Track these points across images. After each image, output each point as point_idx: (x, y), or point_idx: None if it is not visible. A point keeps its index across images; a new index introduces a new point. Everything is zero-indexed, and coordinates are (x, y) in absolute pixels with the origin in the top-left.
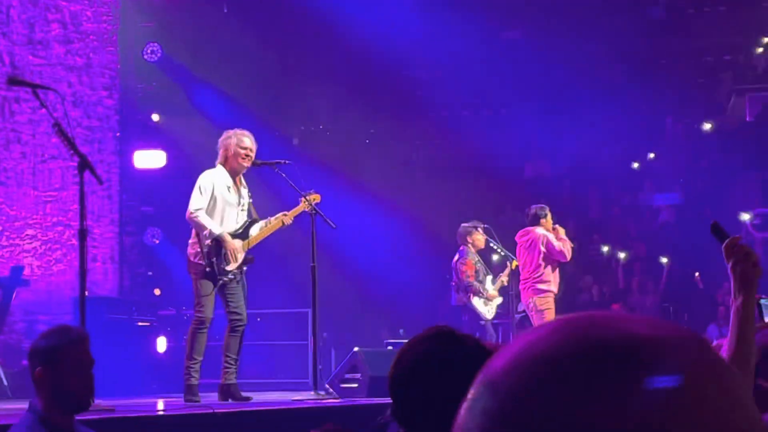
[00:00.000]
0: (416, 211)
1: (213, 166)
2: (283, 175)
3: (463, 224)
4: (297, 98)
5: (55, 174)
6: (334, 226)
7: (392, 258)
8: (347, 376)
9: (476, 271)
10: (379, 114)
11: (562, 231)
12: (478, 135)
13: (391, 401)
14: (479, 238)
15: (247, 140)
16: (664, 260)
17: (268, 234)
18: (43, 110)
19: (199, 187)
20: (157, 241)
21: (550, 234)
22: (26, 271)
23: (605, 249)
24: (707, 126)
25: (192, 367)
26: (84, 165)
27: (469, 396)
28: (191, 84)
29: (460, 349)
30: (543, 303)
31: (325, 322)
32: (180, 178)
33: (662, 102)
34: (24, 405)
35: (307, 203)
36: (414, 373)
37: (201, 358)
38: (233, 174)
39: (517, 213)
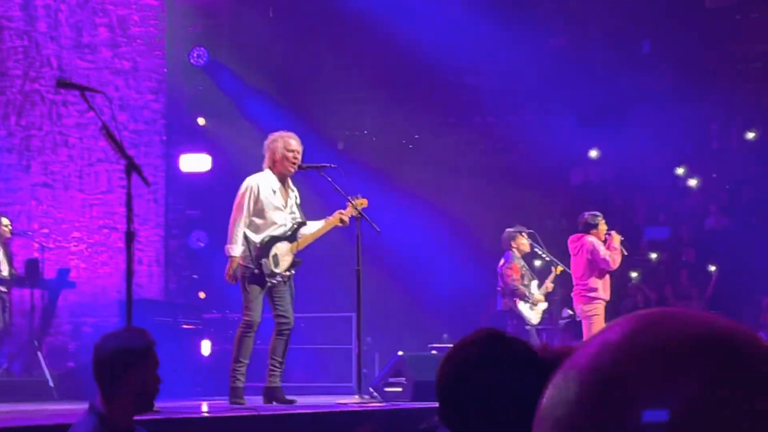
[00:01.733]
0: (461, 216)
1: (259, 169)
2: (329, 179)
3: (507, 229)
4: (342, 103)
5: (102, 177)
6: (378, 230)
7: (437, 263)
8: (392, 380)
9: (522, 276)
10: (424, 119)
11: (616, 239)
12: (524, 140)
13: (437, 405)
14: (524, 242)
15: (294, 142)
16: (712, 268)
17: (322, 234)
18: (91, 113)
19: (242, 194)
20: (202, 244)
21: (598, 242)
22: (72, 274)
23: (653, 256)
24: (750, 135)
25: (238, 370)
26: (131, 167)
27: (552, 386)
28: (237, 88)
29: (509, 352)
30: (591, 309)
31: (370, 327)
32: (225, 182)
33: (709, 107)
34: (70, 406)
35: (353, 207)
36: (463, 375)
37: (247, 362)
38: (281, 177)
39: (562, 219)
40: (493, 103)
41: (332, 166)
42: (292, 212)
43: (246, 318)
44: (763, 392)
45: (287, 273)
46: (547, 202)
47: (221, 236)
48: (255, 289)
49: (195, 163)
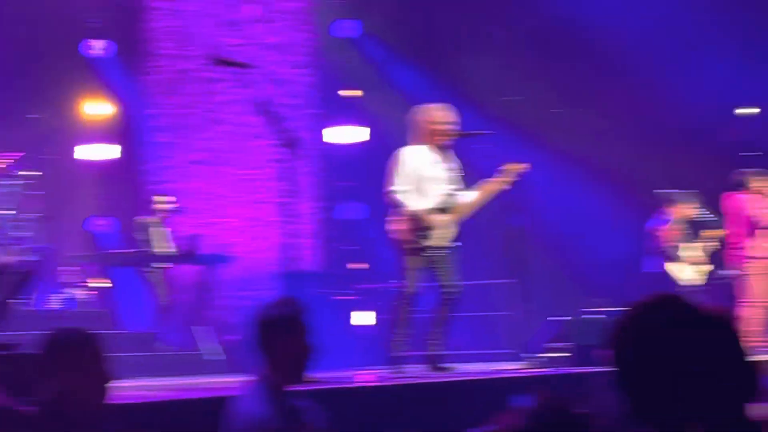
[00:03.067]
0: (616, 179)
1: (412, 140)
2: (488, 144)
3: (665, 190)
4: (491, 71)
5: (255, 153)
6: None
7: (595, 226)
8: (555, 345)
9: (675, 237)
10: (575, 83)
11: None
12: (677, 99)
13: (608, 369)
14: (683, 204)
15: (450, 114)
16: None
17: (483, 202)
18: (244, 90)
19: (397, 165)
20: (359, 217)
21: (749, 198)
22: (230, 249)
23: None
24: None
25: (398, 340)
26: (291, 142)
27: None
28: (389, 59)
29: (690, 316)
30: (744, 269)
31: (532, 292)
32: (380, 153)
33: None
34: (228, 378)
35: (510, 172)
36: (641, 339)
37: (406, 331)
38: (440, 148)
39: (722, 177)
40: (642, 62)
41: (491, 133)
42: (452, 183)
43: (403, 288)
44: None
45: (449, 244)
46: (705, 160)
47: (378, 207)
48: (414, 260)
49: (349, 135)
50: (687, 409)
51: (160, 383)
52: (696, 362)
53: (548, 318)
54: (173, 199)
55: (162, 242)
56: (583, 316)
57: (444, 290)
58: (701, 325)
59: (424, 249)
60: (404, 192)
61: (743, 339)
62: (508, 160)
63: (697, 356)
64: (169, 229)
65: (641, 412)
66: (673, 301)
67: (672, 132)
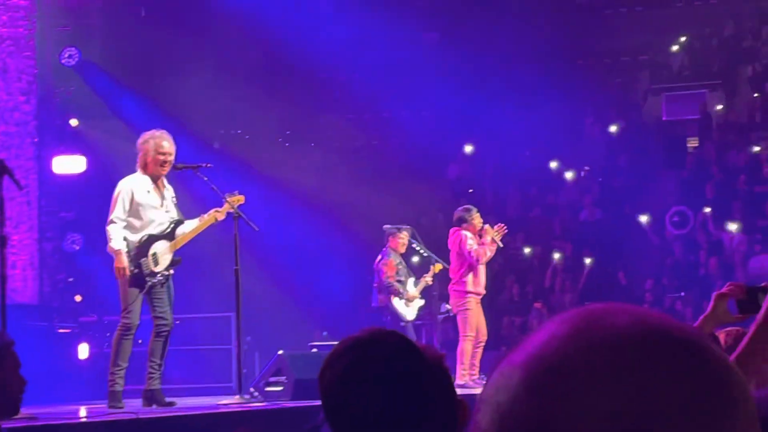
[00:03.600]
0: (338, 213)
1: (134, 170)
2: (205, 178)
3: (385, 226)
4: (216, 101)
5: None
6: (256, 228)
7: (314, 261)
8: (272, 379)
9: (397, 272)
10: (299, 116)
11: (490, 233)
12: (400, 136)
13: (319, 403)
14: (402, 239)
15: (166, 144)
16: (588, 261)
17: (199, 231)
18: None
19: (117, 196)
20: (78, 247)
21: (468, 235)
22: None
23: (527, 250)
24: (613, 128)
25: (117, 374)
26: (3, 170)
27: (498, 372)
28: (110, 88)
29: (393, 350)
30: (462, 304)
31: (249, 326)
32: (100, 183)
33: (580, 102)
34: None
35: (230, 204)
36: (351, 375)
37: (126, 365)
38: (154, 178)
39: (439, 214)
40: (368, 99)
41: (208, 165)
42: (168, 211)
43: (125, 320)
44: (700, 385)
45: (167, 272)
46: (424, 198)
47: (96, 238)
48: (134, 291)
49: (68, 164)
50: None
51: None
52: (404, 400)
53: (267, 352)
54: None
55: None
56: (299, 351)
57: (158, 322)
58: (407, 359)
59: (145, 275)
60: (123, 221)
61: (451, 377)
62: (228, 191)
63: (401, 389)
64: None
65: None
66: (384, 337)
67: (399, 168)
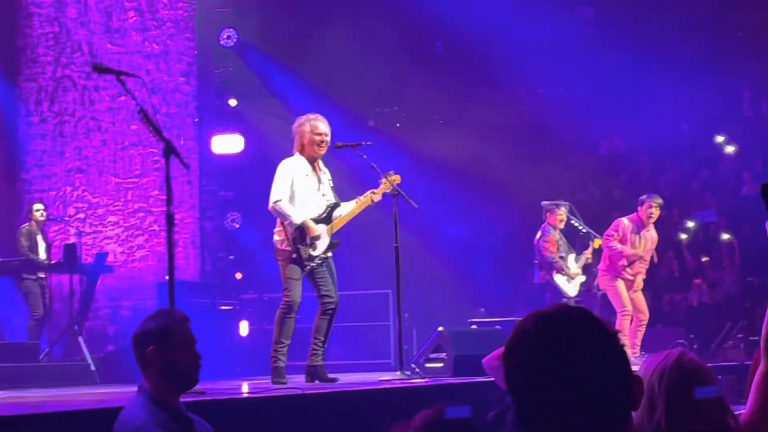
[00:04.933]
0: (494, 190)
1: (290, 150)
2: (365, 156)
3: (544, 202)
4: (371, 80)
5: (135, 161)
6: (416, 206)
7: (471, 238)
8: (432, 355)
9: (558, 248)
10: (453, 93)
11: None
12: (555, 112)
13: (490, 379)
14: (560, 215)
15: (322, 125)
16: (726, 236)
17: (356, 213)
18: (123, 98)
19: (279, 177)
20: (238, 226)
21: (624, 223)
22: (109, 258)
23: (690, 224)
24: None
25: (279, 350)
26: (169, 150)
27: None
28: (267, 68)
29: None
30: (605, 281)
31: (407, 303)
32: (258, 162)
33: (739, 75)
34: (111, 389)
35: (388, 183)
36: (539, 353)
37: (288, 342)
38: (311, 160)
39: (595, 190)
40: (521, 75)
41: (367, 143)
42: (325, 194)
43: (286, 299)
44: None
45: (325, 255)
46: (580, 173)
47: (256, 217)
48: (295, 271)
49: (228, 144)
50: (577, 421)
51: (43, 395)
52: (590, 374)
53: (426, 329)
54: (46, 208)
55: (40, 250)
56: (458, 328)
57: (324, 300)
58: (595, 336)
59: (304, 259)
60: (285, 203)
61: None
62: (385, 170)
63: (591, 368)
64: (47, 238)
65: (532, 423)
66: (569, 313)
67: (555, 143)
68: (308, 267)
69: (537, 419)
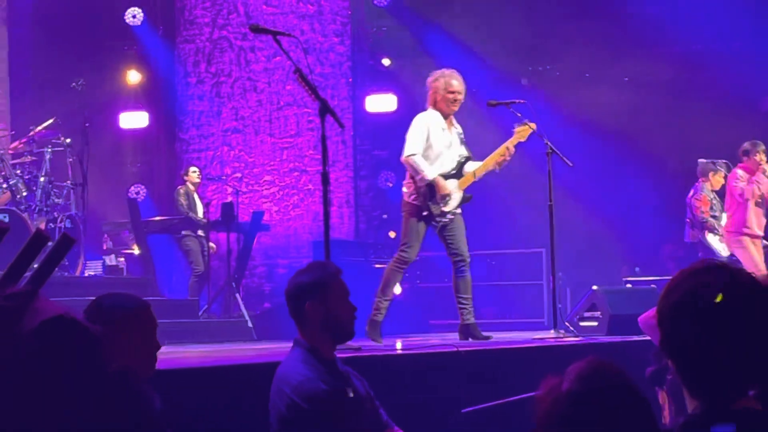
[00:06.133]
0: (647, 149)
1: (427, 106)
2: (519, 114)
3: (701, 160)
4: (524, 38)
5: (291, 121)
6: (570, 164)
7: (624, 197)
8: (586, 314)
9: (711, 207)
10: (606, 52)
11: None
12: (712, 69)
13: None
14: (718, 176)
15: (456, 82)
16: None
17: (489, 167)
18: (278, 58)
19: (414, 131)
20: (391, 185)
21: (739, 173)
22: (266, 217)
23: None
24: None
25: (382, 304)
26: (325, 110)
27: None
28: (421, 27)
29: (729, 281)
30: (735, 243)
31: (560, 262)
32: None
33: None
34: (269, 345)
35: (522, 132)
36: (685, 307)
37: (391, 298)
38: (444, 116)
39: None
40: (680, 32)
41: (521, 102)
42: (458, 149)
43: (402, 254)
44: None
45: (457, 210)
46: (738, 132)
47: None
48: (420, 228)
49: (381, 103)
50: (742, 376)
51: (203, 350)
52: (751, 331)
53: (578, 288)
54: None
55: (198, 210)
56: (613, 286)
57: (455, 258)
58: (756, 293)
59: (435, 215)
60: (420, 157)
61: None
62: (539, 127)
63: (752, 325)
64: (202, 198)
65: (697, 379)
66: (727, 271)
67: (713, 100)
68: (440, 223)
69: (696, 376)
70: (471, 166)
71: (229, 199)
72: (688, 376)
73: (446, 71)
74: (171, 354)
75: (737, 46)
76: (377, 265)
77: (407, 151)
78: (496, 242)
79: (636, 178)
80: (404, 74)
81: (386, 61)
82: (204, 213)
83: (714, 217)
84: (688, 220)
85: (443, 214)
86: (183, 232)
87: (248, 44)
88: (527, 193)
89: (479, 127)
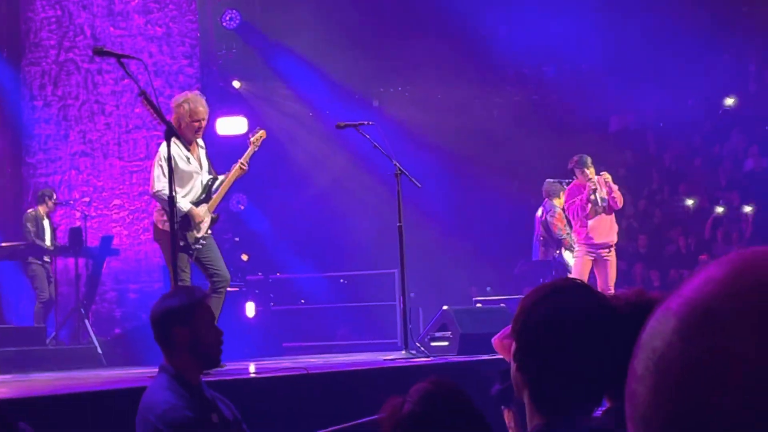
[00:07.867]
0: (498, 169)
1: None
2: (367, 136)
3: (548, 180)
4: (376, 61)
5: (140, 144)
6: (419, 185)
7: (474, 216)
8: (437, 334)
9: (565, 225)
10: (458, 73)
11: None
12: (560, 91)
13: (497, 357)
14: (563, 195)
15: (201, 109)
16: (747, 209)
17: (229, 186)
18: (126, 81)
19: (159, 164)
20: (243, 207)
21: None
22: (115, 241)
23: (690, 202)
24: None
25: None
26: (171, 133)
27: (654, 318)
28: (270, 49)
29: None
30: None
31: (412, 282)
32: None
33: (744, 49)
34: (118, 371)
35: (253, 145)
36: (547, 325)
37: None
38: (188, 141)
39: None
40: (527, 55)
41: (369, 123)
42: (205, 169)
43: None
44: None
45: (207, 233)
46: (585, 151)
47: (261, 198)
48: (183, 258)
49: (231, 126)
50: (594, 393)
51: (50, 378)
52: (608, 350)
53: (431, 308)
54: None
55: (46, 235)
56: (463, 306)
57: (214, 279)
58: (606, 309)
59: (191, 243)
60: (167, 190)
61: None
62: (388, 150)
63: (609, 344)
64: (53, 223)
65: (549, 396)
66: (580, 288)
67: (560, 123)
68: (195, 249)
69: (548, 393)
70: (216, 186)
71: (78, 224)
72: (539, 393)
73: (190, 95)
74: (16, 383)
75: (586, 67)
76: (229, 288)
77: (156, 187)
78: (350, 263)
79: (486, 197)
80: (254, 96)
81: (236, 84)
82: (52, 239)
83: (569, 234)
84: (541, 237)
85: (197, 240)
86: (29, 259)
87: (95, 66)
88: (380, 214)
89: (329, 149)
